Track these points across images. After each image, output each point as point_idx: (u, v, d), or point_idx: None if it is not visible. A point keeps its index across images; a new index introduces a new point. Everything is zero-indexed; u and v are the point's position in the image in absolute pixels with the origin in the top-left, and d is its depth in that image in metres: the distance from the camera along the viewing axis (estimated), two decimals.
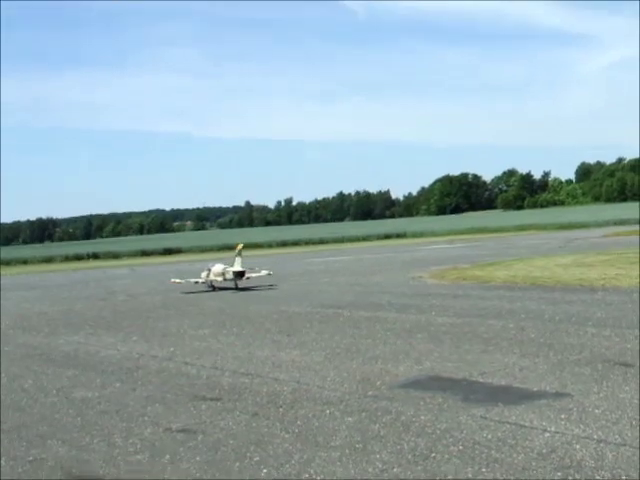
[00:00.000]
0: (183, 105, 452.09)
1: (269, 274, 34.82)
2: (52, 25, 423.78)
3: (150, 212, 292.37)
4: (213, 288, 33.74)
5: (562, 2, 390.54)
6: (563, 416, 9.13)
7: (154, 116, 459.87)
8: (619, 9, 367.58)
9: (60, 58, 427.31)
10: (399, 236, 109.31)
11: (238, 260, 34.39)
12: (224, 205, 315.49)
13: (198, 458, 8.43)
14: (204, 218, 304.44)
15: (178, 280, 35.61)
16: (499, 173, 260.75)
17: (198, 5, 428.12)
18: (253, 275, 34.81)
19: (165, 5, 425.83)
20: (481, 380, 11.57)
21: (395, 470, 7.72)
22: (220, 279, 33.91)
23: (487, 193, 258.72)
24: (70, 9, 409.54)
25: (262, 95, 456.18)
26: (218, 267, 34.62)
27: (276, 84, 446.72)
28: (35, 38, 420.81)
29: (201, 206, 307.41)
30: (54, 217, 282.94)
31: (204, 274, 34.50)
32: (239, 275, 33.64)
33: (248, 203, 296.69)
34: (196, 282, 34.45)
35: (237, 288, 33.00)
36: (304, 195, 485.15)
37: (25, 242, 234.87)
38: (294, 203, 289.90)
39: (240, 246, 35.91)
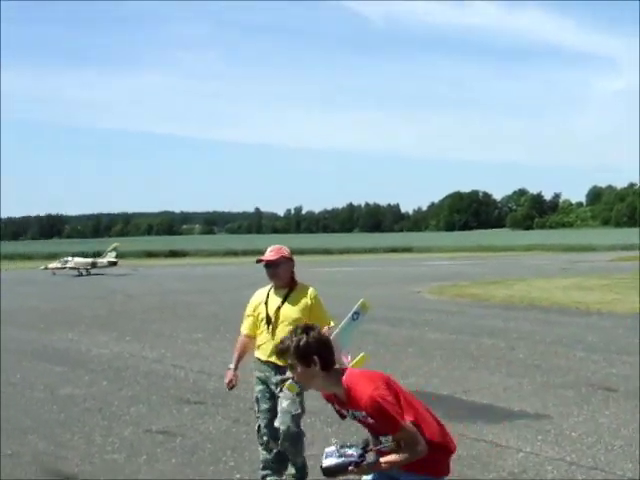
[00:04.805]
0: (194, 108, 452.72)
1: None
2: (67, 22, 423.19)
3: (159, 214, 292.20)
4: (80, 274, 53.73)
5: (580, 23, 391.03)
6: (540, 437, 9.15)
7: (163, 118, 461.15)
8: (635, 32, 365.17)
9: (66, 54, 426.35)
10: (405, 250, 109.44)
11: (112, 254, 58.81)
12: (233, 210, 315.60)
13: (174, 460, 8.50)
14: (213, 222, 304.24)
15: (53, 265, 56.25)
16: (510, 192, 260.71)
17: (210, 8, 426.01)
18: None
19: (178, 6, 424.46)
20: (464, 397, 11.61)
21: None
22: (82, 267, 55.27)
23: (497, 211, 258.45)
24: (87, 7, 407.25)
25: (275, 102, 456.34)
26: (79, 259, 57.46)
27: (289, 91, 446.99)
28: (47, 33, 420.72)
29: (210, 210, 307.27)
30: (63, 214, 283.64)
31: (69, 264, 55.51)
32: (114, 264, 57.15)
33: (257, 210, 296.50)
34: (62, 268, 54.84)
35: (89, 274, 53.86)
36: (314, 205, 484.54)
37: (34, 238, 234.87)
38: (303, 212, 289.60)
39: (116, 244, 62.92)
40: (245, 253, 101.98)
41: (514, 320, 21.19)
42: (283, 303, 7.25)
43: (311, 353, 4.28)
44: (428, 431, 4.43)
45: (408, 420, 4.32)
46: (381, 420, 4.26)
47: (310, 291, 7.37)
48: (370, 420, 4.31)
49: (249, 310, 7.51)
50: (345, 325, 6.81)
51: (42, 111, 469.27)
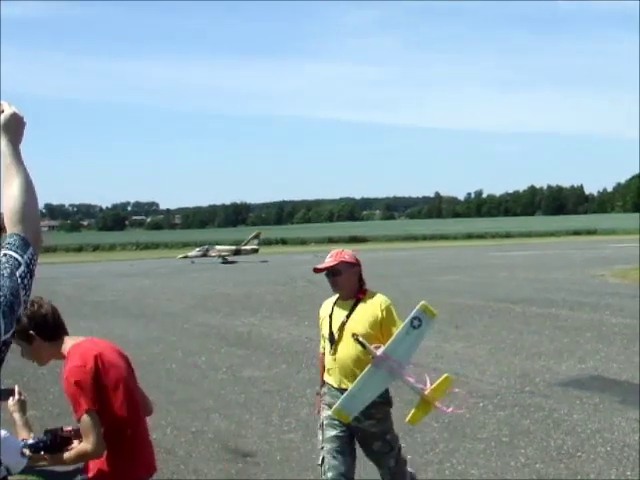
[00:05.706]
0: (371, 94, 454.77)
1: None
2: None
3: (340, 200, 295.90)
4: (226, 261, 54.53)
5: None
6: None
7: (341, 105, 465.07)
8: None
9: (239, 48, 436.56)
10: (589, 233, 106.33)
11: (254, 241, 59.94)
12: (413, 195, 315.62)
13: None
14: (393, 208, 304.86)
15: (192, 254, 57.40)
16: None
17: None
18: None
19: None
20: None
21: (537, 466, 7.77)
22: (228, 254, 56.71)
23: None
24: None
25: (452, 85, 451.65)
26: (222, 247, 59.05)
27: (466, 73, 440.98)
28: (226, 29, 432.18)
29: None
30: (248, 202, 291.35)
31: (210, 252, 57.07)
32: (256, 251, 58.68)
33: (437, 194, 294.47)
34: (203, 256, 56.23)
35: (229, 262, 54.28)
36: (495, 188, 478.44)
37: (220, 226, 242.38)
38: (484, 195, 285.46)
39: (256, 233, 62.24)
40: (425, 238, 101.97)
41: None
42: (348, 318, 5.83)
43: (26, 330, 4.07)
44: (126, 438, 4.13)
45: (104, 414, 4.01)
46: (71, 402, 3.98)
47: (381, 301, 5.89)
48: None
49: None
50: (402, 335, 5.54)
51: (214, 101, 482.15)
